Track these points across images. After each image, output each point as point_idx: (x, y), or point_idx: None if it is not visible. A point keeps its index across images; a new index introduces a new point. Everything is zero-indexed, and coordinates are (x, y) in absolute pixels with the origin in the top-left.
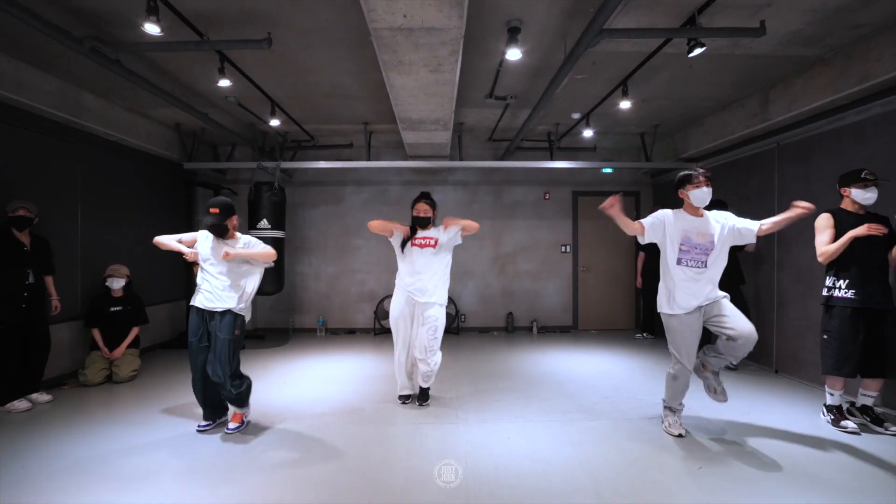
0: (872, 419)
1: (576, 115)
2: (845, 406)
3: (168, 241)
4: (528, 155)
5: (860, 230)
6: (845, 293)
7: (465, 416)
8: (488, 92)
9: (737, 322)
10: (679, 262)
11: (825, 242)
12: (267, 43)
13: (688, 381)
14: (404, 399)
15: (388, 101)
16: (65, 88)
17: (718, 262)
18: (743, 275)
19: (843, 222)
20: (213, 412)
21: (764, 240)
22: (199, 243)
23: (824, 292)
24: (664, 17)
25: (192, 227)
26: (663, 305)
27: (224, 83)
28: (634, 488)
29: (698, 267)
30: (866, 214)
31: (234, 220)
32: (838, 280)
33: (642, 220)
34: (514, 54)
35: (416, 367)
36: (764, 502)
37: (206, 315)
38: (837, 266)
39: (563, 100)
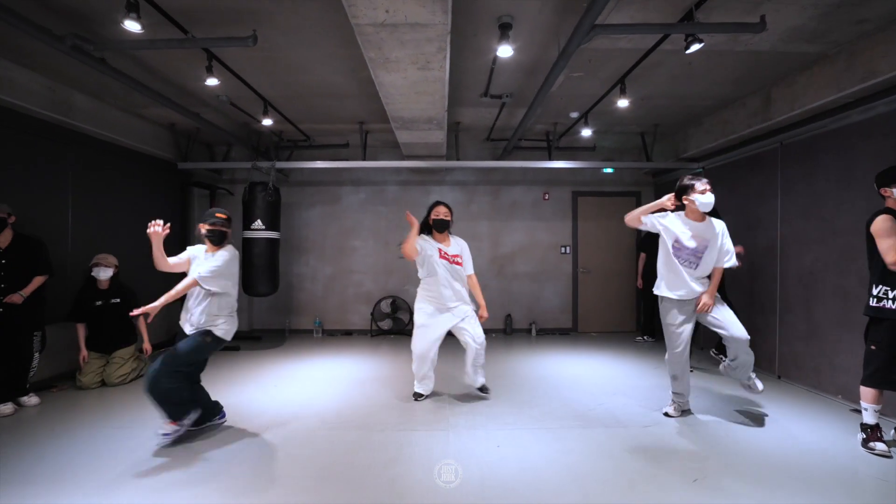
0: None
1: (574, 114)
2: (894, 427)
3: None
4: (526, 154)
5: None
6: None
7: (456, 422)
8: (483, 90)
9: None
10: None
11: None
12: (252, 40)
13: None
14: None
15: (381, 99)
16: (54, 88)
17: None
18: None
19: None
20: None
21: (766, 246)
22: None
23: (872, 303)
24: (660, 12)
25: (187, 227)
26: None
27: (212, 82)
28: (624, 501)
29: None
30: None
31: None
32: (892, 290)
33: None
34: (505, 51)
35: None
36: None
37: None
38: (888, 276)
39: (560, 98)
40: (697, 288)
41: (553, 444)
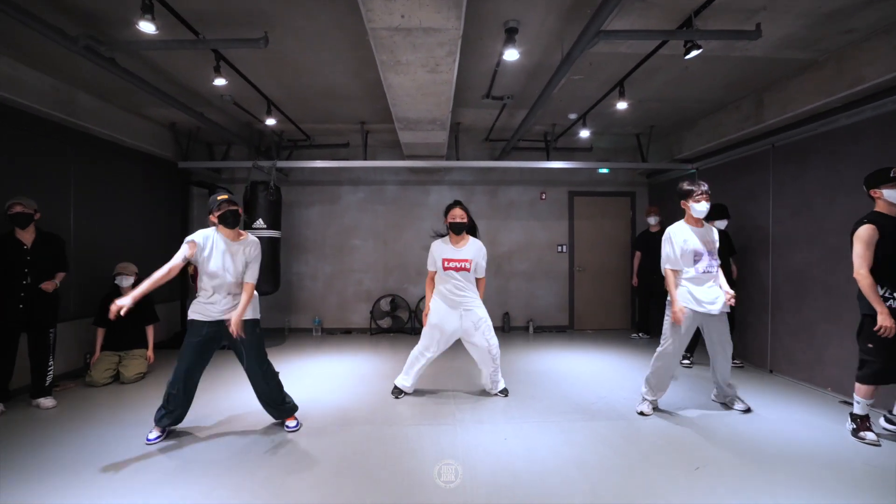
0: None
1: (572, 116)
2: (883, 416)
3: (163, 270)
4: (524, 155)
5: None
6: None
7: (462, 417)
8: (485, 92)
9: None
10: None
11: (868, 260)
12: (263, 42)
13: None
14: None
15: (384, 100)
16: (59, 87)
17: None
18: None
19: (885, 229)
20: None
21: (758, 245)
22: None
23: None
24: (660, 19)
25: (187, 227)
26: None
27: (220, 82)
28: (631, 489)
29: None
30: None
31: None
32: (894, 292)
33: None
34: (511, 55)
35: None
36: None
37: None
38: (891, 279)
39: (559, 100)
40: (720, 292)
41: (558, 436)
